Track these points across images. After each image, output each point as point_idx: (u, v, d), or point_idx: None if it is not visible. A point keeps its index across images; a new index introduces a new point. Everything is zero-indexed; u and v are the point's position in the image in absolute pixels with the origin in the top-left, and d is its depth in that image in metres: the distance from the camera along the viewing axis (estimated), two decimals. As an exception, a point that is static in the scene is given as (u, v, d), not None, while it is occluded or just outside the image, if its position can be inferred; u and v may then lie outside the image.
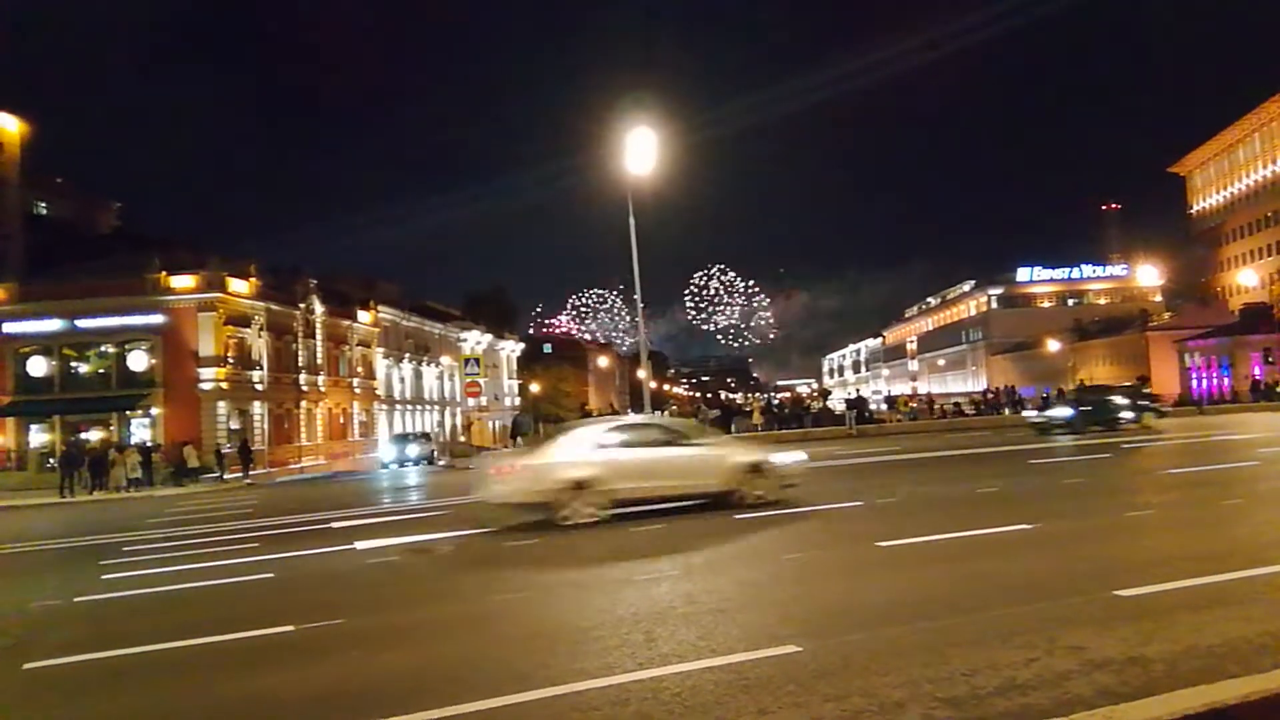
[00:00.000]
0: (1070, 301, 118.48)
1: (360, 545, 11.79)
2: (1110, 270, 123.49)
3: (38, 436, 46.44)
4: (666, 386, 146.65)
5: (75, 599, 10.27)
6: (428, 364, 75.64)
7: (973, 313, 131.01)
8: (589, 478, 12.68)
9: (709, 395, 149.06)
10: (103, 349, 46.94)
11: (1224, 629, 5.77)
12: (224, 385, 46.48)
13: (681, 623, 6.87)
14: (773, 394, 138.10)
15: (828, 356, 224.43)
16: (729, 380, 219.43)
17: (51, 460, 42.32)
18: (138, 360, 46.40)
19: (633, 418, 23.29)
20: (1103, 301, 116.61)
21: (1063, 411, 30.23)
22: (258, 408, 49.82)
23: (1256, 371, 57.34)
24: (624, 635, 6.59)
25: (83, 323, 46.18)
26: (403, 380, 71.68)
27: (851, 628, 6.48)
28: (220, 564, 12.11)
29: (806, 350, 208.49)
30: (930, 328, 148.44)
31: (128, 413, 45.92)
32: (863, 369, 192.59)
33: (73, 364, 47.24)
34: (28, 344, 46.58)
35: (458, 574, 10.38)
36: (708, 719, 4.79)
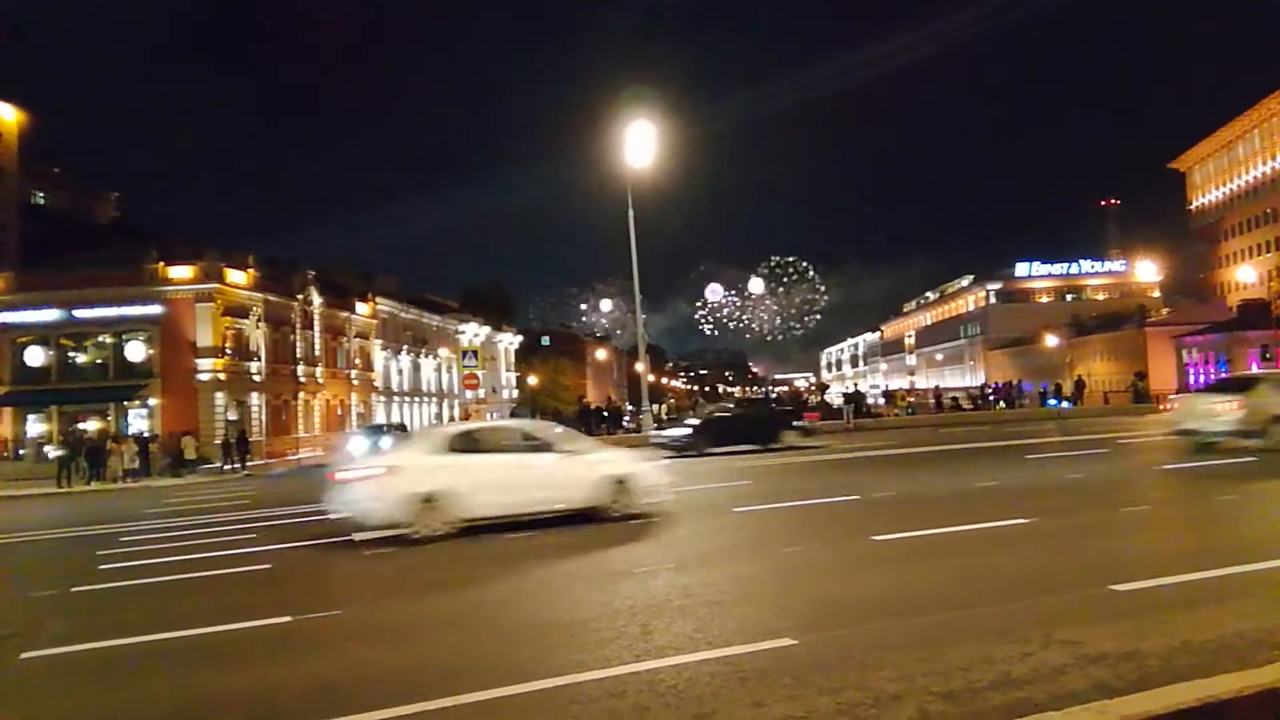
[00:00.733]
0: (1069, 297, 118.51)
1: (358, 537, 11.78)
2: (1109, 266, 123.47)
3: (35, 427, 46.41)
4: (665, 379, 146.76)
5: (73, 589, 10.28)
6: (426, 356, 75.61)
7: (971, 308, 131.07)
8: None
9: (707, 389, 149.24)
10: (100, 339, 46.88)
11: (1219, 624, 5.80)
12: (221, 376, 46.46)
13: (678, 615, 6.89)
14: (771, 388, 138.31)
15: (826, 351, 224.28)
16: (727, 374, 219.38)
17: (49, 450, 42.29)
18: (135, 351, 46.34)
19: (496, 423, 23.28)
20: (1101, 297, 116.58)
21: (680, 431, 26.44)
22: (255, 399, 49.80)
23: (1254, 368, 57.37)
24: (621, 627, 6.61)
25: (80, 313, 46.10)
26: (400, 372, 71.65)
27: (847, 621, 6.50)
28: (218, 555, 12.12)
29: (806, 344, 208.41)
30: (929, 323, 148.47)
31: (125, 403, 45.88)
32: (861, 363, 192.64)
33: (70, 354, 47.17)
34: (25, 334, 46.49)
35: (458, 566, 10.39)
36: (703, 711, 4.81)
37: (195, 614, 8.45)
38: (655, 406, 46.42)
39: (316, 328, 57.46)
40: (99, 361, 46.99)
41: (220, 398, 46.30)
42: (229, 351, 47.42)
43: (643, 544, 10.62)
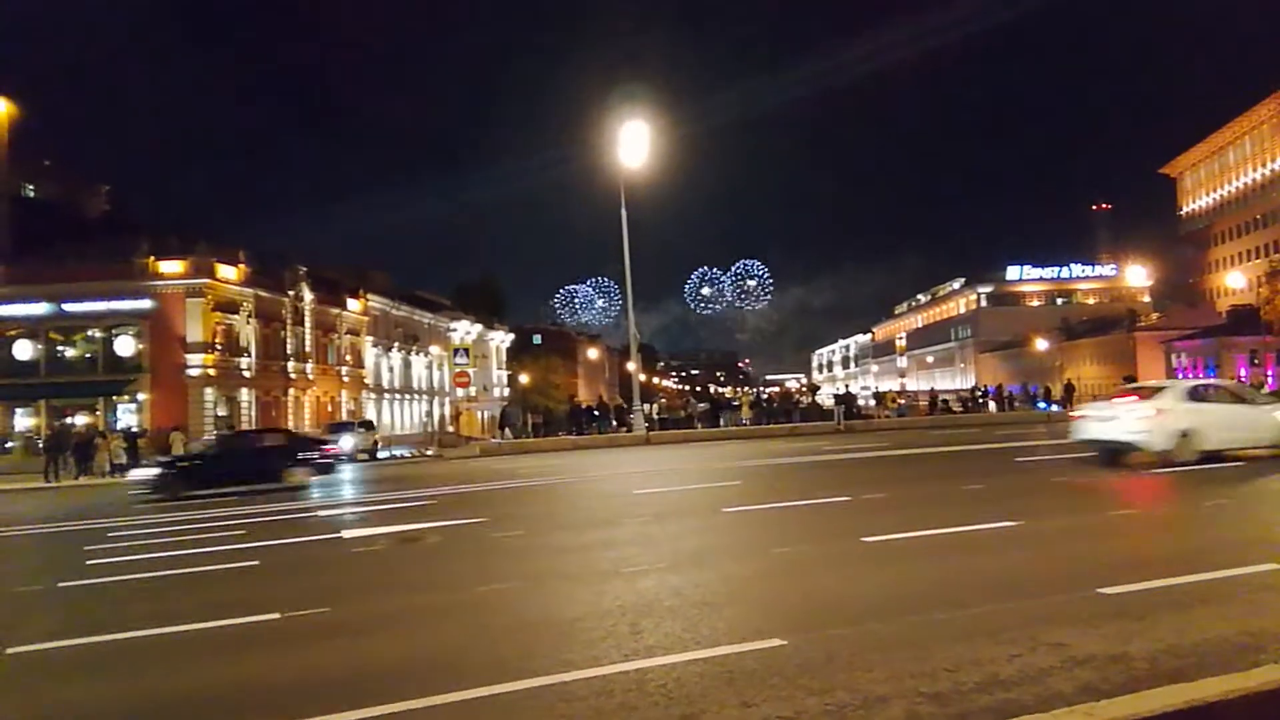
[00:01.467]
0: (1059, 301, 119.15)
1: (347, 534, 11.76)
2: (1099, 270, 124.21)
3: (23, 420, 46.20)
4: (656, 379, 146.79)
5: (59, 584, 10.23)
6: (417, 353, 75.47)
7: (962, 310, 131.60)
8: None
9: (698, 389, 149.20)
10: (89, 333, 46.69)
11: (1205, 627, 5.82)
12: (211, 371, 46.31)
13: (667, 615, 6.89)
14: (761, 388, 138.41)
15: (817, 352, 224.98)
16: (718, 374, 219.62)
17: (38, 443, 42.09)
18: (125, 345, 46.18)
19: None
20: (1091, 301, 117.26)
21: (148, 472, 22.80)
22: (245, 395, 49.66)
23: (1242, 373, 57.71)
24: (609, 626, 6.61)
25: (70, 306, 45.91)
26: (391, 369, 71.51)
27: (836, 622, 6.50)
28: (206, 551, 12.08)
29: (799, 345, 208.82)
30: (920, 325, 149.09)
31: (114, 398, 45.73)
32: (852, 365, 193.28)
33: (59, 348, 46.97)
34: (13, 327, 46.27)
35: (445, 563, 10.38)
36: (691, 710, 4.81)
37: (183, 610, 8.41)
38: (646, 406, 46.43)
39: (307, 324, 57.31)
40: (88, 355, 46.81)
41: (210, 393, 46.16)
42: (219, 347, 47.27)
43: (633, 544, 10.63)
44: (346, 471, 27.74)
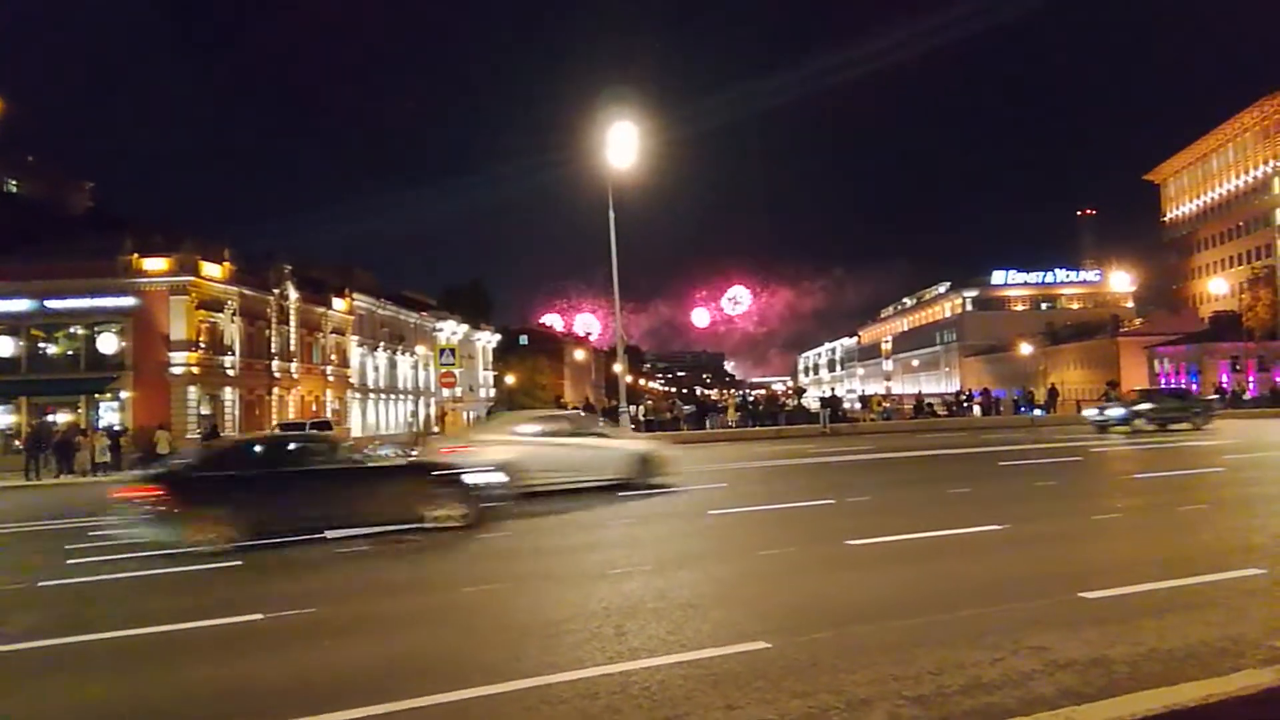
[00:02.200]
0: (1043, 305, 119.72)
1: (330, 535, 11.70)
2: (1083, 275, 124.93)
3: (3, 418, 45.74)
4: (643, 381, 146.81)
5: (40, 584, 10.15)
6: (403, 353, 75.22)
7: (948, 314, 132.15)
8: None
9: (684, 391, 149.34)
10: (72, 330, 46.30)
11: (1186, 632, 5.87)
12: (195, 370, 46.02)
13: (652, 617, 6.90)
14: (747, 391, 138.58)
15: (803, 355, 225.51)
16: (704, 376, 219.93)
17: (17, 442, 41.72)
18: (107, 343, 45.82)
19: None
20: (1075, 306, 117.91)
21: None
22: (229, 393, 49.37)
23: (1224, 379, 58.17)
24: (594, 629, 6.61)
25: (52, 303, 45.53)
26: (377, 369, 71.24)
27: (820, 625, 6.53)
28: (188, 551, 11.99)
29: (786, 347, 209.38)
30: (906, 328, 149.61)
31: (96, 395, 45.34)
32: (838, 368, 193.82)
33: (41, 345, 46.55)
34: (-5, 323, 45.85)
35: (431, 565, 10.35)
36: (676, 713, 4.82)
37: (163, 610, 8.36)
38: (632, 408, 46.42)
39: (292, 323, 57.04)
40: (70, 353, 46.41)
41: (193, 392, 45.87)
42: (203, 345, 46.98)
43: (620, 546, 10.63)
44: None
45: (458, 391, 61.01)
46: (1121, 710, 4.37)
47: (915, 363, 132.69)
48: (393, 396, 73.80)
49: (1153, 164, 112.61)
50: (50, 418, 42.87)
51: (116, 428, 39.98)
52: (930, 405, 50.69)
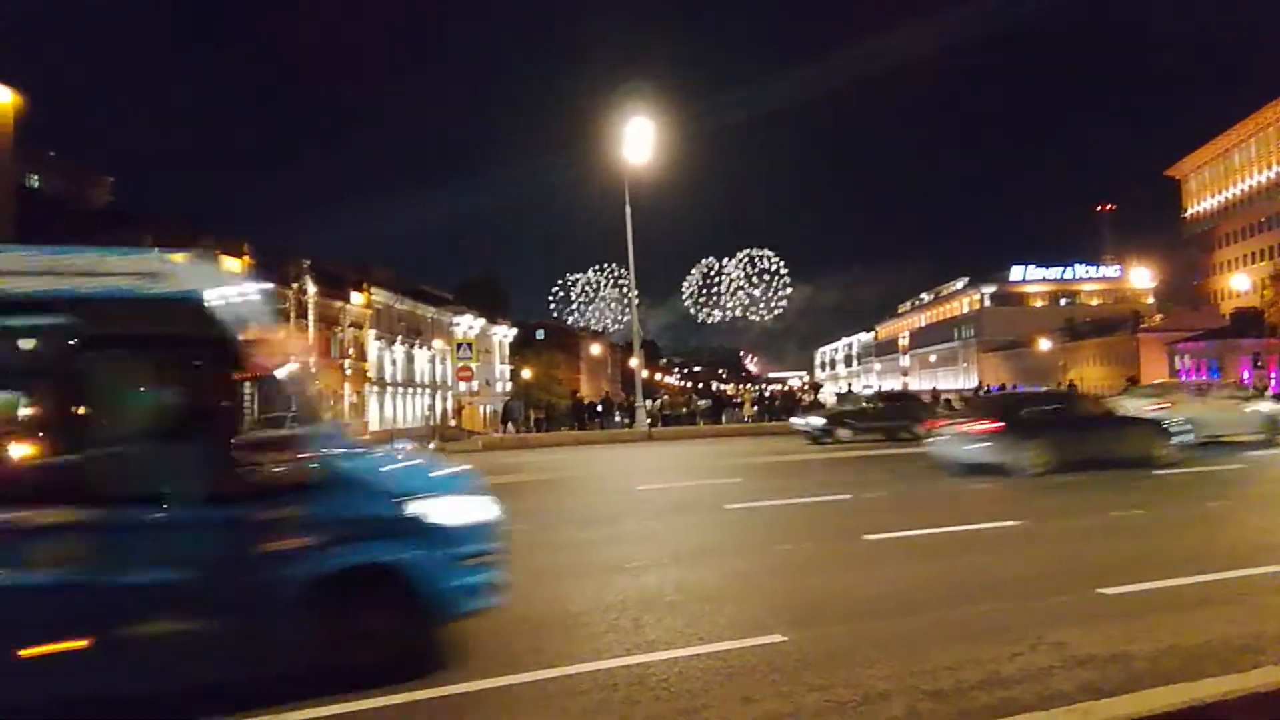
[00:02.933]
0: (1062, 301, 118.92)
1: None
2: (1103, 271, 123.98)
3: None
4: (659, 375, 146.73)
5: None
6: (420, 347, 75.55)
7: (966, 310, 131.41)
8: None
9: (700, 385, 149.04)
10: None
11: (1206, 628, 5.85)
12: (214, 364, 46.29)
13: (670, 610, 6.92)
14: (764, 386, 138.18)
15: (820, 350, 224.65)
16: (721, 371, 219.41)
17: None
18: (127, 336, 46.15)
19: None
20: (1095, 302, 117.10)
21: None
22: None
23: (1246, 376, 57.65)
24: (613, 621, 6.64)
25: (73, 297, 45.90)
26: (394, 363, 71.59)
27: (837, 619, 6.54)
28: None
29: (803, 344, 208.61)
30: (923, 324, 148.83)
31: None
32: (855, 363, 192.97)
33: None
34: (17, 317, 46.26)
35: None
36: (693, 705, 4.84)
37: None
38: (649, 402, 46.41)
39: (311, 317, 57.39)
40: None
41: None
42: (222, 339, 47.25)
43: (635, 540, 10.66)
44: None
45: (474, 385, 61.32)
46: (1141, 706, 4.36)
47: (933, 358, 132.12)
48: (410, 390, 74.14)
49: (1173, 160, 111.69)
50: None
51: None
52: (948, 401, 50.38)
